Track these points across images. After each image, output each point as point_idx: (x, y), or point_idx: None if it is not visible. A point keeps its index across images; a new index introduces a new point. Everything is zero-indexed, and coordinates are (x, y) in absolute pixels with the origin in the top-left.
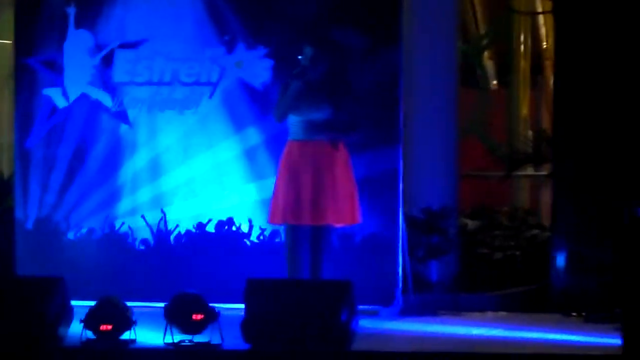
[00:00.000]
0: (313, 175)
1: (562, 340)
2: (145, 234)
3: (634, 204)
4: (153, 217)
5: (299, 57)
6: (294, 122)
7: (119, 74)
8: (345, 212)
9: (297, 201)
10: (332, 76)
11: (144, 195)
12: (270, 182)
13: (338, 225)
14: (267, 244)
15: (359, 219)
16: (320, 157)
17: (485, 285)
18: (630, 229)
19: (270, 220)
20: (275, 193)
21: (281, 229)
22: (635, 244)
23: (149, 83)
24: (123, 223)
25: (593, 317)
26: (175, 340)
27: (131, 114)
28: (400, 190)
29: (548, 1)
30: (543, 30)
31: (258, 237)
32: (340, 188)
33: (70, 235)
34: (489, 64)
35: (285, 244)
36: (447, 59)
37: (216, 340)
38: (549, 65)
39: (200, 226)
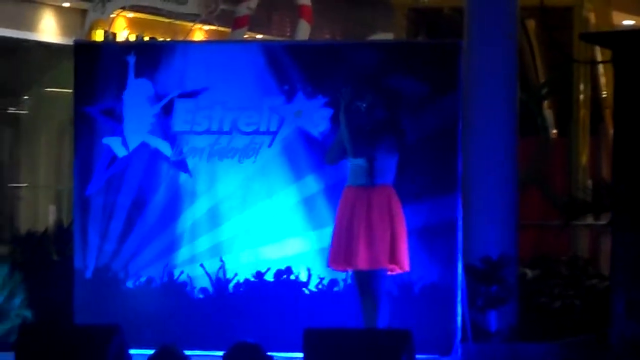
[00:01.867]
0: (361, 220)
1: None
2: (204, 282)
3: None
4: (212, 266)
5: (357, 102)
6: (350, 167)
7: (178, 123)
8: (393, 258)
9: (348, 246)
10: (388, 124)
11: (203, 244)
12: (329, 231)
13: (390, 272)
14: (325, 292)
15: (405, 265)
16: (373, 202)
17: (544, 334)
18: None
19: (328, 264)
20: (332, 238)
21: (340, 277)
22: None
23: (209, 132)
24: (182, 272)
25: None
26: None
27: (190, 162)
28: (459, 240)
29: (607, 50)
30: (603, 79)
31: (317, 286)
32: (387, 233)
33: (129, 284)
34: (548, 113)
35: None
36: (507, 108)
37: None
38: (608, 114)
39: (259, 275)
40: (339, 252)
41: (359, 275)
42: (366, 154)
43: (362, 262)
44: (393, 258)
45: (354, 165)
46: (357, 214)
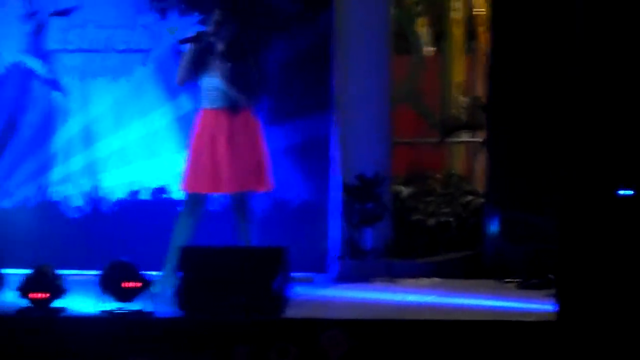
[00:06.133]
0: (224, 144)
1: (496, 307)
2: (79, 201)
3: (569, 172)
4: (86, 185)
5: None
6: (206, 89)
7: (51, 42)
8: (259, 179)
9: (212, 170)
10: (238, 45)
11: (77, 163)
12: None
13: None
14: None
15: (270, 186)
16: (229, 125)
17: (419, 251)
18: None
19: (185, 188)
20: (189, 161)
21: (214, 196)
22: (573, 211)
23: (82, 50)
24: (56, 191)
25: (527, 284)
26: (108, 309)
27: (64, 81)
28: (332, 157)
29: None
30: None
31: None
32: (251, 155)
33: (4, 204)
34: (422, 31)
35: (182, 211)
36: (380, 25)
37: (149, 308)
38: (482, 32)
39: (134, 194)
40: (203, 176)
41: (232, 199)
42: (224, 75)
43: (231, 186)
44: (260, 179)
45: (211, 87)
46: (220, 138)
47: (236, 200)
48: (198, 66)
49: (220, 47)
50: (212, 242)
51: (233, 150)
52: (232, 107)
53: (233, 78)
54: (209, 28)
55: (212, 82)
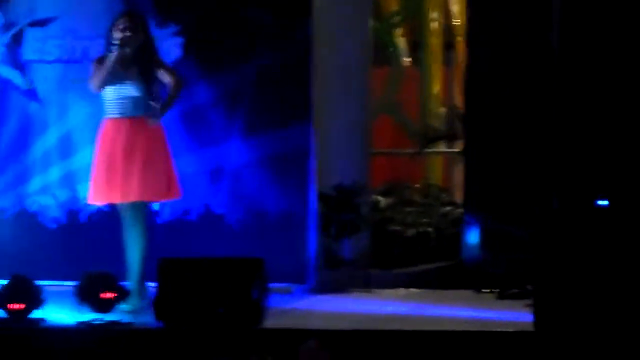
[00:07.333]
0: (145, 153)
1: (475, 317)
2: (56, 212)
3: (547, 182)
4: (64, 196)
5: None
6: (109, 98)
7: (29, 52)
8: (169, 187)
9: (124, 179)
10: (143, 52)
11: (54, 173)
12: (186, 158)
13: (156, 201)
14: (178, 221)
15: (179, 193)
16: (150, 134)
17: (397, 262)
18: (546, 207)
19: (92, 200)
20: (97, 172)
21: (193, 206)
22: (551, 221)
23: (59, 61)
24: (34, 202)
25: (505, 294)
26: (86, 319)
27: (41, 92)
28: (312, 168)
29: None
30: (455, 7)
31: (170, 215)
32: (155, 164)
33: None
34: (401, 41)
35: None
36: (359, 36)
37: (127, 318)
38: (460, 42)
39: (112, 204)
40: (111, 186)
41: (125, 207)
42: (139, 83)
43: (144, 194)
44: (170, 187)
45: (125, 95)
46: (135, 147)
47: (128, 210)
48: (114, 73)
49: (129, 54)
50: (191, 252)
51: (150, 159)
52: (141, 116)
53: (141, 86)
54: (121, 34)
55: (124, 90)
